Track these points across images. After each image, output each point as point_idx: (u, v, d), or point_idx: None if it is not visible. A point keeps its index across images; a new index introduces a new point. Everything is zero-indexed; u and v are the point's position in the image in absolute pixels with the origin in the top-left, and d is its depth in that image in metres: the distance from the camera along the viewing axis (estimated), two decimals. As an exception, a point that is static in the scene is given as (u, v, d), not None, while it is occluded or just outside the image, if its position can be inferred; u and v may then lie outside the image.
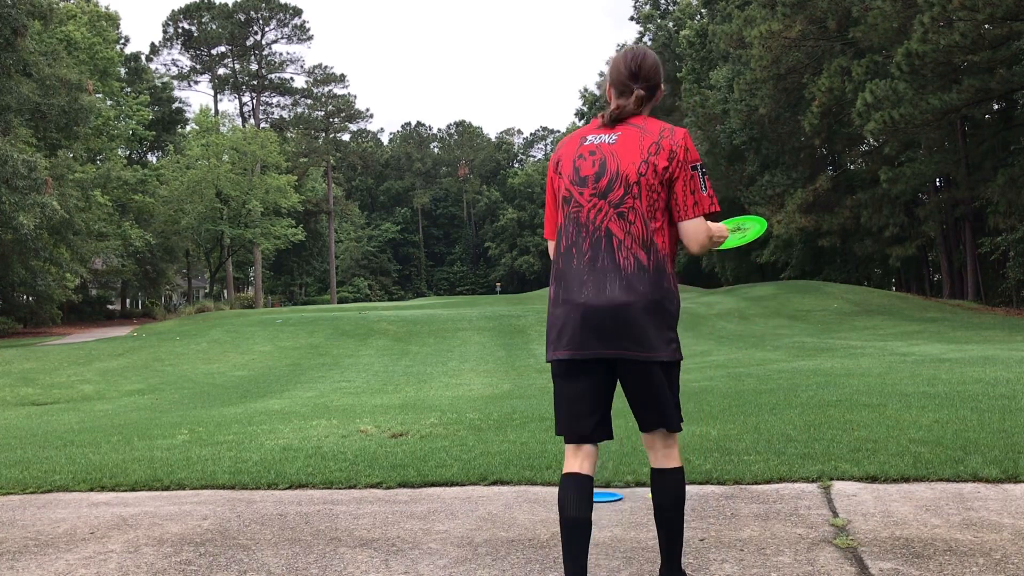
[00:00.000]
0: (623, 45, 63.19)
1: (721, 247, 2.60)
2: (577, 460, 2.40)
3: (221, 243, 47.22)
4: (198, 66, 63.98)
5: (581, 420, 2.37)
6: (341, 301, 69.25)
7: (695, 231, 2.36)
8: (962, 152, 29.21)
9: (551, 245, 2.56)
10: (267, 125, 63.51)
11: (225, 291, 55.85)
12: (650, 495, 3.72)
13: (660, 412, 2.36)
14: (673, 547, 2.47)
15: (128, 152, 46.12)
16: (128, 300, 46.74)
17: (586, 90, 63.32)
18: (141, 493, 4.43)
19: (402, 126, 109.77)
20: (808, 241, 37.70)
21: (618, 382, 2.41)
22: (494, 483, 4.19)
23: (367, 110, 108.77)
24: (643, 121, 2.39)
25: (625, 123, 2.40)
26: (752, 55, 32.19)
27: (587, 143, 2.42)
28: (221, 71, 64.84)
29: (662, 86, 2.45)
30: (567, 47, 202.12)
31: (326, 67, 69.62)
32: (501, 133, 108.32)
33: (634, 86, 2.39)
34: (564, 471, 2.40)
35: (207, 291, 54.69)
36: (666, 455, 2.42)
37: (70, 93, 29.19)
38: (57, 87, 28.70)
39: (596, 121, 2.47)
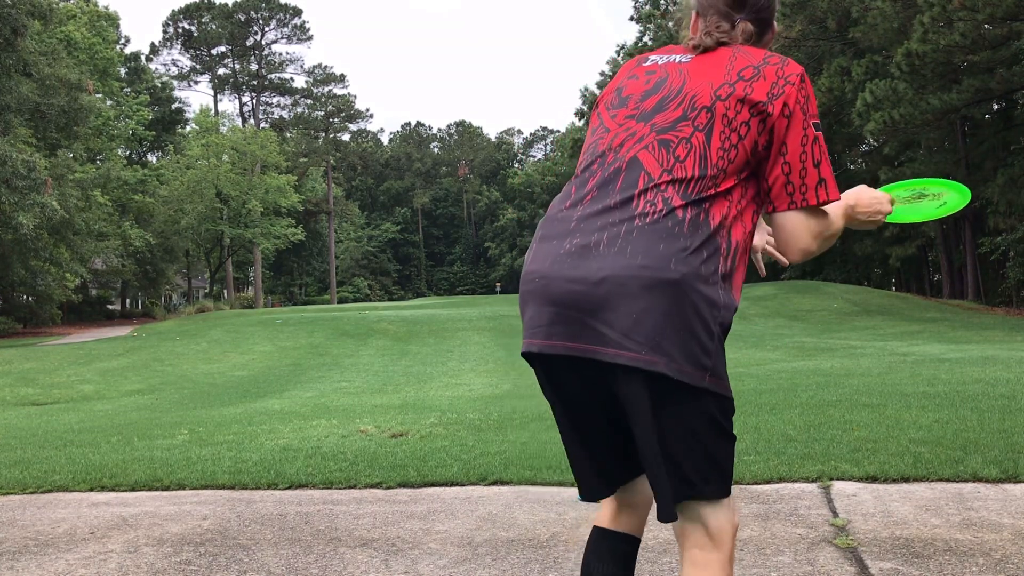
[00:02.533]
0: (623, 45, 63.09)
1: (896, 219, 1.80)
2: (607, 507, 1.64)
3: (221, 243, 47.22)
4: (198, 66, 64.03)
5: (589, 461, 1.59)
6: (341, 301, 69.25)
7: (804, 229, 1.50)
8: (962, 152, 29.22)
9: None
10: (267, 125, 63.54)
11: (225, 291, 55.86)
12: None
13: (661, 464, 1.41)
14: None
15: (128, 152, 46.15)
16: (128, 300, 46.74)
17: (586, 90, 63.32)
18: (141, 493, 4.42)
19: (402, 126, 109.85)
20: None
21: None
22: (494, 483, 4.19)
23: (367, 110, 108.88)
24: (747, 48, 1.57)
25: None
26: (752, 55, 32.19)
27: (648, 63, 1.63)
28: (221, 71, 64.87)
29: (775, 25, 1.67)
30: (567, 47, 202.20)
31: (326, 67, 69.71)
32: (501, 133, 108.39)
33: (737, 16, 1.59)
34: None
35: (207, 291, 54.70)
36: (687, 556, 1.47)
37: (70, 93, 29.20)
38: (57, 87, 28.70)
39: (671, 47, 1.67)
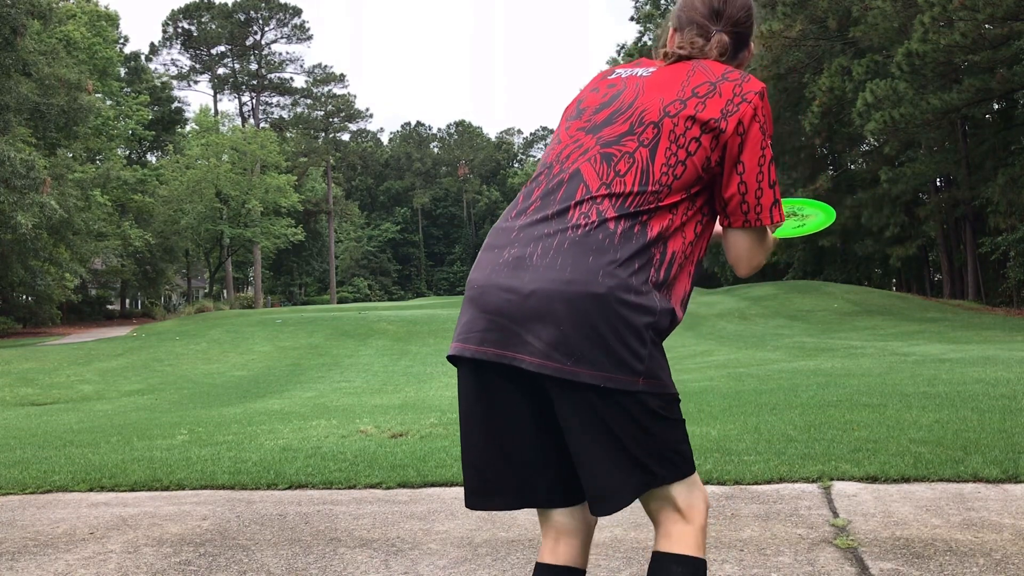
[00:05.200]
0: (623, 45, 63.10)
1: (777, 235, 1.86)
2: (546, 540, 1.61)
3: (221, 243, 47.23)
4: (198, 66, 64.04)
5: (488, 468, 1.55)
6: (341, 301, 69.26)
7: (756, 246, 1.54)
8: (962, 152, 29.22)
9: None
10: (267, 125, 63.55)
11: (225, 291, 55.87)
12: None
13: (588, 469, 1.46)
14: None
15: (128, 152, 46.16)
16: (128, 300, 46.75)
17: (586, 90, 63.32)
18: (141, 493, 4.42)
19: (402, 126, 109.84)
20: (809, 241, 37.71)
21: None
22: (494, 483, 4.18)
23: (367, 110, 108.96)
24: (708, 63, 1.56)
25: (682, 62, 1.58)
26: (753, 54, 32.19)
27: (613, 76, 1.64)
28: (221, 71, 64.88)
29: (752, 45, 1.68)
30: (567, 47, 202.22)
31: (326, 67, 69.73)
32: (501, 133, 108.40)
33: (714, 28, 1.59)
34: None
35: (207, 291, 54.70)
36: (660, 531, 1.54)
37: (69, 93, 29.20)
38: (56, 87, 28.70)
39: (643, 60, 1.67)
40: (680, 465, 1.49)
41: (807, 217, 2.00)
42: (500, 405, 1.50)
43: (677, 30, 1.64)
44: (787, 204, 1.96)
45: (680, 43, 1.60)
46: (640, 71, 1.60)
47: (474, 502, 1.59)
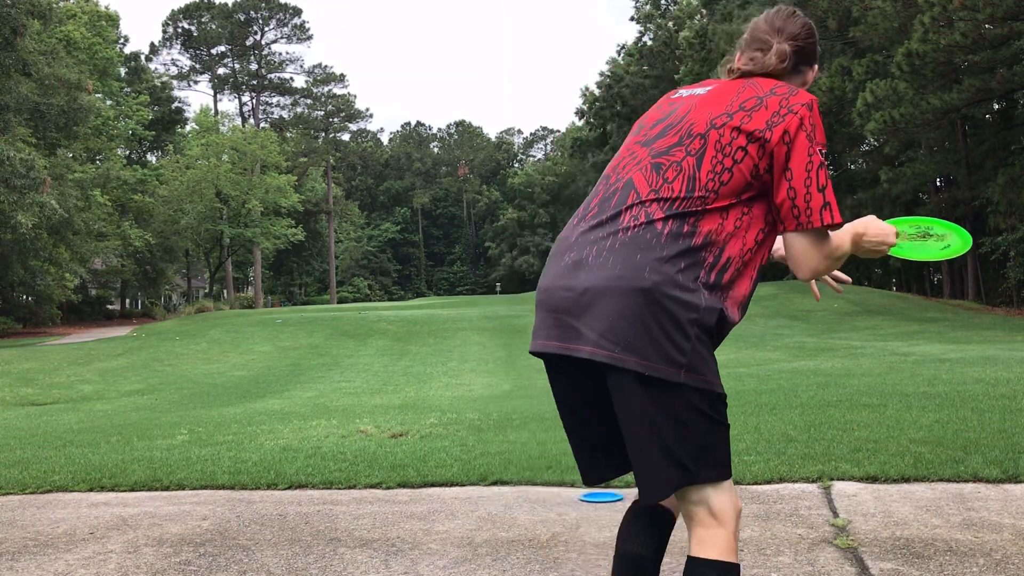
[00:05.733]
0: (623, 45, 63.08)
1: (898, 253, 1.85)
2: (624, 521, 1.75)
3: (221, 243, 47.23)
4: (198, 66, 64.04)
5: (582, 449, 1.72)
6: (341, 301, 69.25)
7: (812, 249, 1.60)
8: (962, 152, 29.22)
9: None
10: (267, 125, 63.54)
11: (225, 291, 55.87)
12: None
13: (634, 457, 1.56)
14: None
15: (128, 152, 46.14)
16: (128, 300, 46.75)
17: (587, 89, 63.33)
18: (141, 493, 4.42)
19: (402, 126, 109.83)
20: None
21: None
22: (494, 483, 4.19)
23: (367, 110, 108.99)
24: (760, 80, 1.68)
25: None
26: (752, 55, 32.19)
27: (675, 96, 1.78)
28: (221, 71, 64.88)
29: (815, 65, 1.79)
30: (567, 47, 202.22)
31: (326, 67, 69.74)
32: (501, 133, 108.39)
33: (774, 40, 1.73)
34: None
35: (207, 291, 54.71)
36: (694, 535, 1.58)
37: (69, 93, 29.19)
38: (56, 87, 28.70)
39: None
40: (717, 467, 1.55)
41: (945, 238, 1.93)
42: (572, 392, 1.68)
43: (742, 52, 1.78)
44: (915, 222, 1.96)
45: (744, 59, 1.75)
46: (699, 90, 1.74)
47: (584, 479, 1.75)
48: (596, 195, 1.68)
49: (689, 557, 1.56)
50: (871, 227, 1.79)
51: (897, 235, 1.82)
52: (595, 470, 1.73)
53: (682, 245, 1.52)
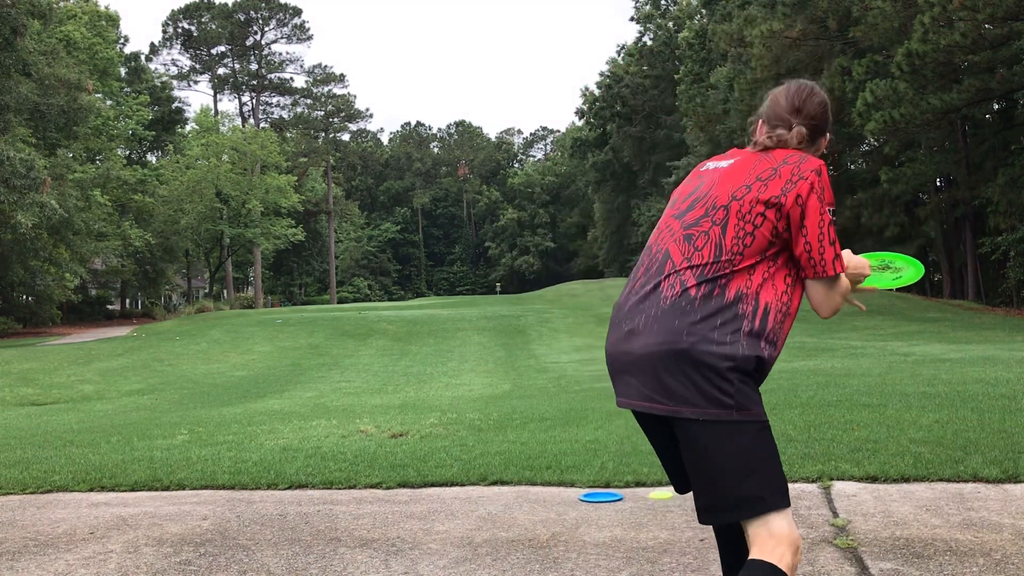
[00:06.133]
0: (623, 45, 63.10)
1: (864, 284, 2.14)
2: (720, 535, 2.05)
3: (221, 243, 47.23)
4: (198, 66, 64.01)
5: (671, 469, 2.02)
6: (341, 301, 69.25)
7: (831, 292, 1.87)
8: (962, 152, 29.21)
9: None
10: (267, 125, 63.52)
11: (225, 291, 55.86)
12: (652, 495, 3.73)
13: (700, 485, 1.82)
14: None
15: (128, 152, 46.12)
16: (128, 300, 46.75)
17: (587, 89, 63.35)
18: (141, 493, 4.42)
19: (402, 126, 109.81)
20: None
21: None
22: (494, 483, 4.19)
23: (367, 110, 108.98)
24: (775, 152, 1.93)
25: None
26: (752, 55, 32.21)
27: (704, 169, 2.04)
28: (221, 71, 64.87)
29: (828, 134, 2.05)
30: (567, 47, 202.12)
31: (326, 67, 69.70)
32: (501, 133, 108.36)
33: (795, 120, 1.97)
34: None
35: (207, 291, 54.70)
36: (759, 551, 1.75)
37: (69, 93, 29.18)
38: (56, 87, 28.69)
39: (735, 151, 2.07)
40: (776, 496, 1.74)
41: (901, 270, 2.27)
42: (654, 434, 1.97)
43: (765, 122, 2.02)
44: (880, 256, 2.28)
45: (767, 134, 1.98)
46: (723, 163, 1.99)
47: (676, 489, 2.03)
48: (641, 265, 1.96)
49: (748, 560, 1.74)
50: (851, 262, 2.06)
51: (869, 267, 2.11)
52: (685, 484, 1.99)
53: (715, 305, 1.78)
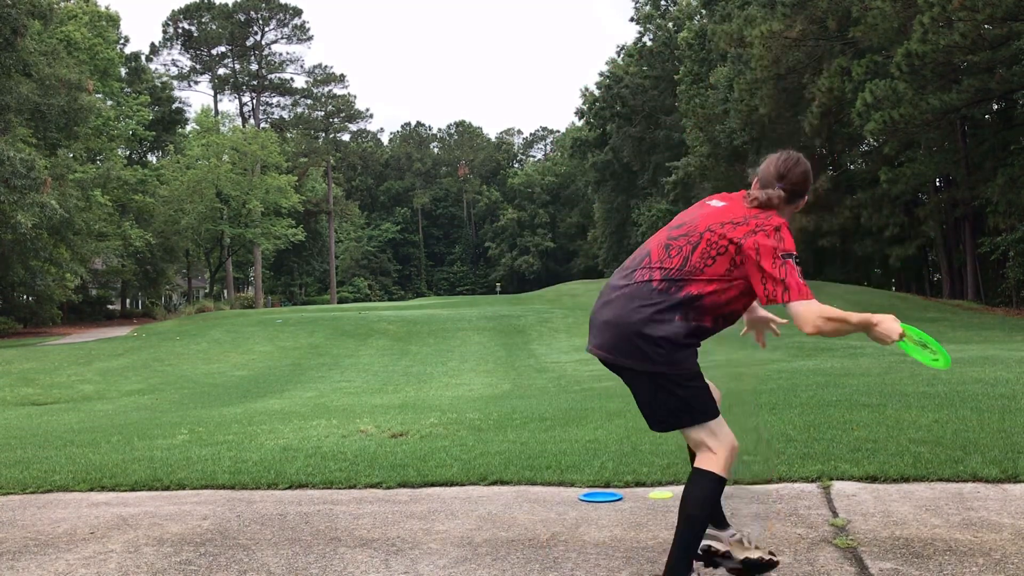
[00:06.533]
0: (623, 46, 63.09)
1: (902, 347, 2.45)
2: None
3: (221, 243, 47.23)
4: (198, 66, 63.99)
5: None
6: (341, 301, 69.24)
7: (803, 313, 2.36)
8: (962, 152, 29.22)
9: None
10: (267, 125, 63.50)
11: (225, 291, 55.86)
12: (652, 495, 3.73)
13: (648, 410, 2.60)
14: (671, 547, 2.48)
15: (128, 152, 46.11)
16: (128, 300, 46.74)
17: (587, 90, 63.33)
18: (141, 493, 4.43)
19: (402, 126, 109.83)
20: (808, 241, 37.71)
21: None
22: (494, 483, 4.19)
23: (367, 110, 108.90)
24: (753, 210, 2.53)
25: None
26: (752, 55, 32.20)
27: (705, 202, 2.71)
28: (221, 71, 64.85)
29: (807, 196, 2.66)
30: (567, 47, 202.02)
31: (326, 67, 69.68)
32: (501, 133, 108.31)
33: (777, 184, 2.59)
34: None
35: (207, 291, 54.69)
36: (697, 459, 2.54)
37: (70, 93, 29.18)
38: (57, 87, 28.68)
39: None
40: (689, 416, 2.49)
41: (936, 355, 2.52)
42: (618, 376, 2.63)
43: (758, 179, 2.64)
44: (921, 336, 2.50)
45: (754, 193, 2.57)
46: (717, 203, 2.62)
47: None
48: (632, 257, 2.66)
49: (694, 468, 2.49)
50: (884, 322, 2.39)
51: (903, 335, 2.41)
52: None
53: (666, 299, 2.46)
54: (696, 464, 2.49)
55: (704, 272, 2.44)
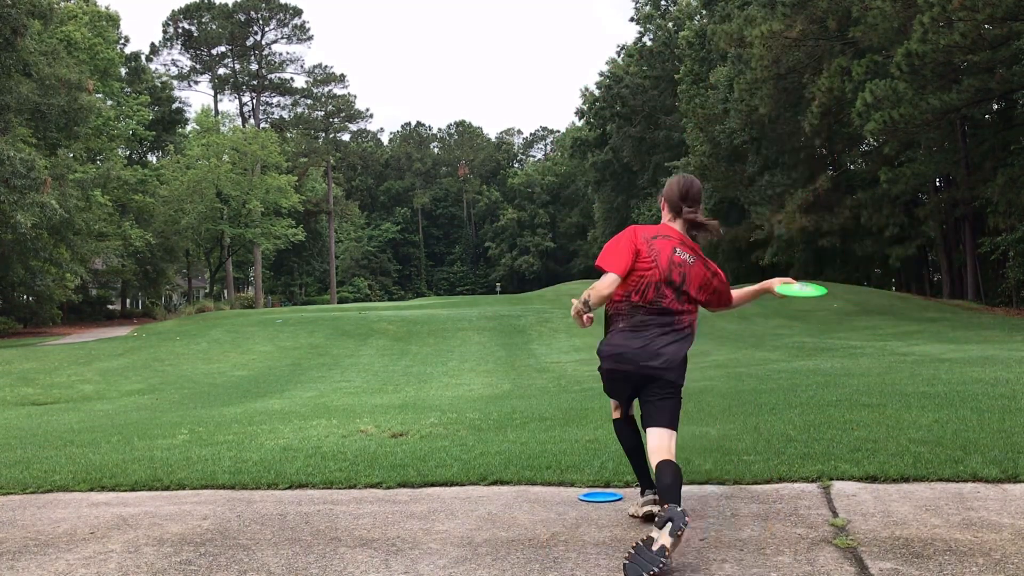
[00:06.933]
0: (623, 46, 63.05)
1: (783, 293, 3.55)
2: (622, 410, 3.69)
3: (221, 243, 47.23)
4: (198, 66, 63.98)
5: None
6: (341, 301, 69.25)
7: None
8: (962, 152, 29.21)
9: None
10: (267, 125, 63.49)
11: (225, 291, 55.85)
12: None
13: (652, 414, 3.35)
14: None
15: (128, 152, 46.11)
16: (128, 300, 46.74)
17: (587, 90, 63.35)
18: (141, 493, 4.43)
19: (402, 126, 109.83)
20: (808, 241, 37.72)
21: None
22: (494, 483, 4.20)
23: (367, 110, 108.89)
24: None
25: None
26: (752, 55, 32.20)
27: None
28: (221, 71, 64.85)
29: (665, 207, 3.51)
30: (567, 47, 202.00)
31: (326, 67, 69.69)
32: (501, 133, 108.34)
33: (683, 205, 3.40)
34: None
35: (207, 291, 54.69)
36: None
37: (70, 93, 29.18)
38: (57, 87, 28.68)
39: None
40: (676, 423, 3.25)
41: (812, 290, 3.47)
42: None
43: (666, 200, 3.52)
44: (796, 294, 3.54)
45: (679, 215, 3.48)
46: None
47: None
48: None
49: (665, 461, 3.07)
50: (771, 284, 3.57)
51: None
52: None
53: None
54: (668, 457, 3.21)
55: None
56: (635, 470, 3.46)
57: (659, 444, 3.11)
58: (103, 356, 19.42)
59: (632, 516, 3.38)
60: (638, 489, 4.07)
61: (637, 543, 2.68)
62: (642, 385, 3.23)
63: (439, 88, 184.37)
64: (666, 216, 3.45)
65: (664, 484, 2.92)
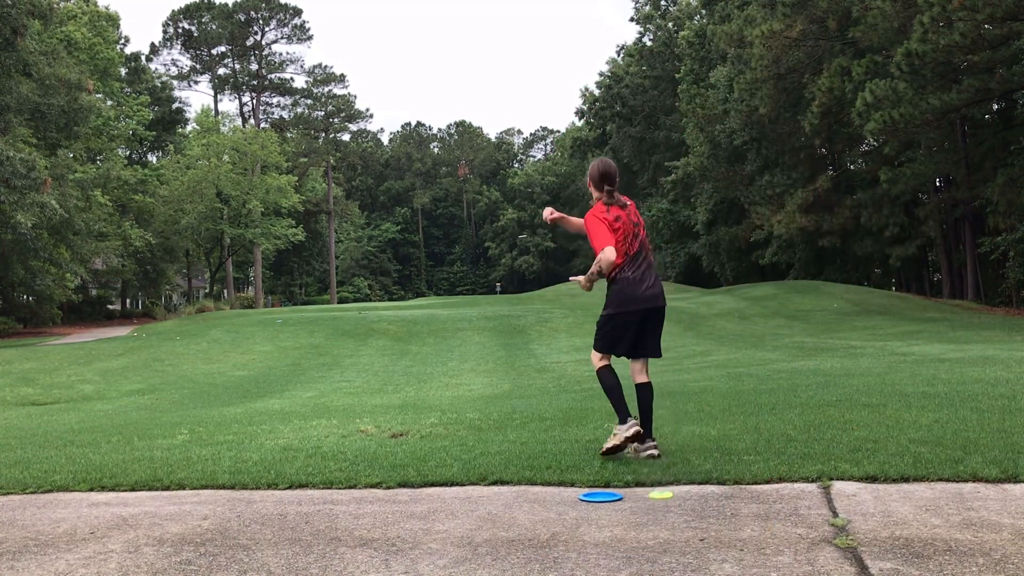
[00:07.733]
0: (623, 46, 63.09)
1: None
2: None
3: (221, 243, 47.24)
4: (198, 66, 64.01)
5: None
6: (341, 301, 69.25)
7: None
8: (962, 152, 29.21)
9: None
10: (267, 125, 63.52)
11: (225, 291, 55.87)
12: (652, 495, 3.75)
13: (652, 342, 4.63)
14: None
15: (128, 152, 46.13)
16: (128, 300, 46.75)
17: (587, 90, 63.37)
18: (141, 493, 4.43)
19: (402, 126, 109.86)
20: (808, 241, 37.71)
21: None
22: (494, 483, 4.19)
23: (367, 110, 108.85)
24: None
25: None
26: (752, 55, 32.20)
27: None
28: (221, 71, 64.86)
29: (593, 190, 4.54)
30: (567, 47, 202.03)
31: (326, 67, 69.73)
32: (501, 133, 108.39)
33: (604, 184, 4.48)
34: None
35: (207, 291, 54.70)
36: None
37: (70, 93, 29.18)
38: (57, 87, 28.69)
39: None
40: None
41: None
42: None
43: (592, 181, 4.76)
44: None
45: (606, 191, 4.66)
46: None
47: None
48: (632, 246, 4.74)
49: (646, 383, 4.49)
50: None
51: None
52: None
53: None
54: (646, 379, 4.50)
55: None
56: (614, 403, 4.38)
57: (643, 367, 4.51)
58: (103, 356, 19.42)
59: (636, 452, 4.39)
60: (639, 489, 4.09)
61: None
62: (646, 318, 4.40)
63: (439, 88, 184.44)
64: (596, 193, 4.50)
65: (644, 401, 4.43)
